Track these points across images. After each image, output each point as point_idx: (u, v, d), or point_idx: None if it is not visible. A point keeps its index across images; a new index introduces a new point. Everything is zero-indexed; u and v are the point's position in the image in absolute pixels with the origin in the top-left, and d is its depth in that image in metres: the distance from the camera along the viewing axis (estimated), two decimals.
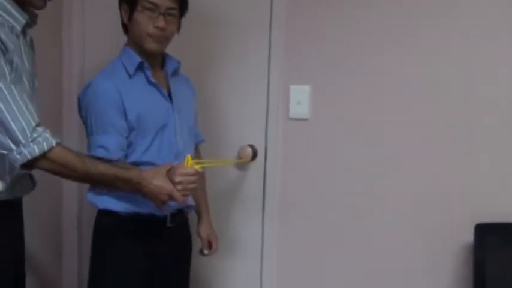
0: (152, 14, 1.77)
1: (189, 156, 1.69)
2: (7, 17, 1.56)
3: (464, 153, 1.94)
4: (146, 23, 1.78)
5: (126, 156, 1.79)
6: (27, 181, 1.69)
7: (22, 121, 1.48)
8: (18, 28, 1.58)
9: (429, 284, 1.99)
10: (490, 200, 1.90)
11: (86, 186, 1.92)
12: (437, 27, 1.96)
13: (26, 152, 1.49)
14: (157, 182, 1.63)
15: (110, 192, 1.79)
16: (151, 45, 1.81)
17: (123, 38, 1.89)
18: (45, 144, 1.51)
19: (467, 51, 1.93)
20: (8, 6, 1.56)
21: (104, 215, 1.85)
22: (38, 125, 1.51)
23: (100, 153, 1.73)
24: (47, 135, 1.52)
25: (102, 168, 1.65)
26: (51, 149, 1.52)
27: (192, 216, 2.05)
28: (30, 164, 1.52)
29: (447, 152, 1.97)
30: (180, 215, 1.92)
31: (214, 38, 2.27)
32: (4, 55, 1.49)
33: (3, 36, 1.50)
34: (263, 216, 2.26)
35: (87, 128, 1.81)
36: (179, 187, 1.64)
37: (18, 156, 1.50)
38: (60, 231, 2.48)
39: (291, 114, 2.18)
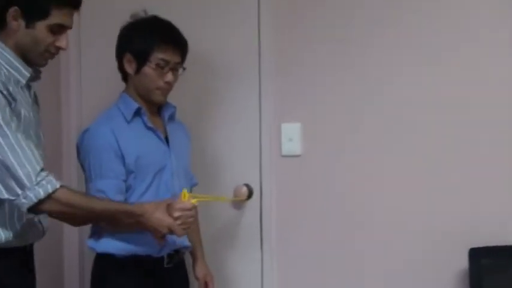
0: (162, 70, 1.86)
1: (185, 190, 1.74)
2: (13, 71, 1.63)
3: (456, 177, 1.99)
4: (156, 78, 1.86)
5: (125, 200, 1.83)
6: (36, 228, 1.71)
7: (28, 166, 1.52)
8: (23, 81, 1.65)
9: None
10: (483, 223, 1.94)
11: (86, 232, 1.96)
12: (434, 60, 2.02)
13: (31, 195, 1.53)
14: (159, 215, 1.68)
15: (108, 236, 1.83)
16: (159, 98, 1.90)
17: (120, 87, 1.96)
18: (49, 186, 1.54)
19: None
20: (14, 60, 1.63)
21: (101, 258, 1.88)
22: (42, 169, 1.56)
23: None
24: (51, 178, 1.56)
25: (105, 204, 1.71)
26: (55, 190, 1.55)
27: (187, 257, 2.07)
28: (36, 208, 1.55)
29: (439, 177, 2.01)
30: (177, 255, 1.95)
31: (206, 81, 2.34)
32: (11, 105, 1.56)
33: (11, 88, 1.58)
34: (262, 254, 2.27)
35: (85, 173, 1.86)
36: (178, 222, 1.68)
37: (24, 200, 1.53)
38: (62, 277, 2.50)
39: (283, 152, 2.23)
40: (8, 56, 1.62)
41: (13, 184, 1.53)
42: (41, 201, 1.54)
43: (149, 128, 1.90)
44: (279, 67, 2.24)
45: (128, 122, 1.88)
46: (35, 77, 1.71)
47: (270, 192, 2.25)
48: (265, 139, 2.26)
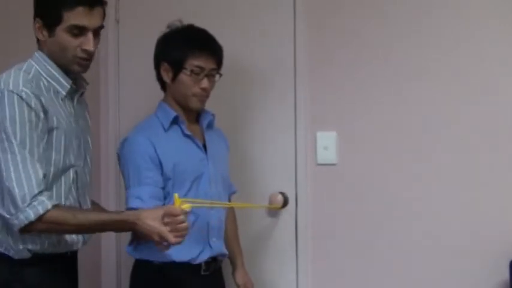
0: (197, 77, 1.89)
1: (176, 195, 1.66)
2: (53, 83, 1.67)
3: (499, 188, 1.96)
4: (192, 84, 1.89)
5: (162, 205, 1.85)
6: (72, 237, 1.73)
7: (25, 187, 1.53)
8: (63, 93, 1.68)
9: None
10: None
11: (124, 239, 1.99)
12: (468, 74, 2.01)
13: (22, 217, 1.53)
14: (150, 222, 1.61)
15: (147, 242, 1.85)
16: (196, 104, 1.93)
17: (157, 97, 2.00)
18: (40, 208, 1.53)
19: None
20: (54, 72, 1.67)
21: (140, 265, 1.92)
22: (41, 192, 1.54)
23: (136, 203, 1.81)
24: (44, 198, 1.54)
25: (93, 217, 1.67)
26: (46, 211, 1.54)
27: (224, 264, 2.08)
28: (26, 229, 1.55)
29: (480, 188, 1.99)
30: (214, 263, 1.96)
31: (241, 90, 2.36)
32: (38, 121, 1.57)
33: (44, 100, 1.60)
34: (297, 262, 2.27)
35: (125, 180, 1.90)
36: (168, 228, 1.61)
37: (16, 221, 1.54)
38: (99, 283, 2.54)
39: (318, 160, 2.24)
40: (50, 68, 1.66)
41: (8, 202, 1.54)
42: (31, 223, 1.53)
43: (187, 136, 1.93)
44: (314, 75, 2.24)
45: (166, 130, 1.91)
46: (77, 89, 1.74)
47: (305, 200, 2.26)
48: (301, 148, 2.26)
